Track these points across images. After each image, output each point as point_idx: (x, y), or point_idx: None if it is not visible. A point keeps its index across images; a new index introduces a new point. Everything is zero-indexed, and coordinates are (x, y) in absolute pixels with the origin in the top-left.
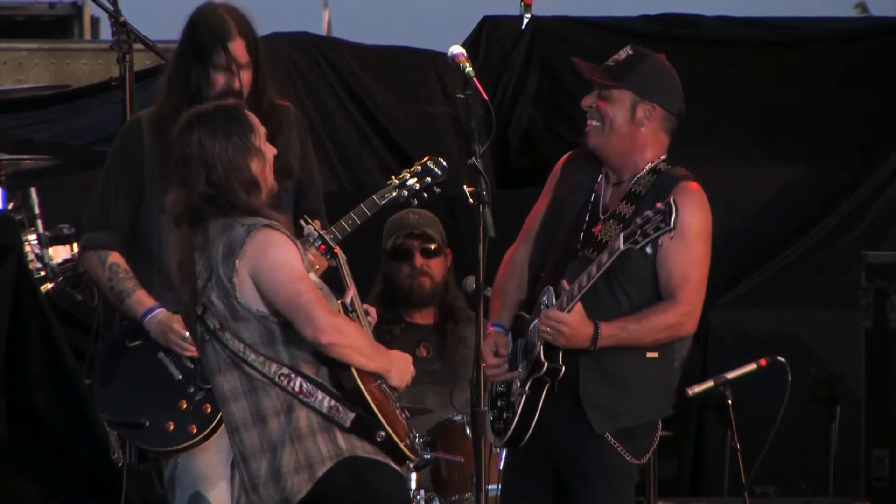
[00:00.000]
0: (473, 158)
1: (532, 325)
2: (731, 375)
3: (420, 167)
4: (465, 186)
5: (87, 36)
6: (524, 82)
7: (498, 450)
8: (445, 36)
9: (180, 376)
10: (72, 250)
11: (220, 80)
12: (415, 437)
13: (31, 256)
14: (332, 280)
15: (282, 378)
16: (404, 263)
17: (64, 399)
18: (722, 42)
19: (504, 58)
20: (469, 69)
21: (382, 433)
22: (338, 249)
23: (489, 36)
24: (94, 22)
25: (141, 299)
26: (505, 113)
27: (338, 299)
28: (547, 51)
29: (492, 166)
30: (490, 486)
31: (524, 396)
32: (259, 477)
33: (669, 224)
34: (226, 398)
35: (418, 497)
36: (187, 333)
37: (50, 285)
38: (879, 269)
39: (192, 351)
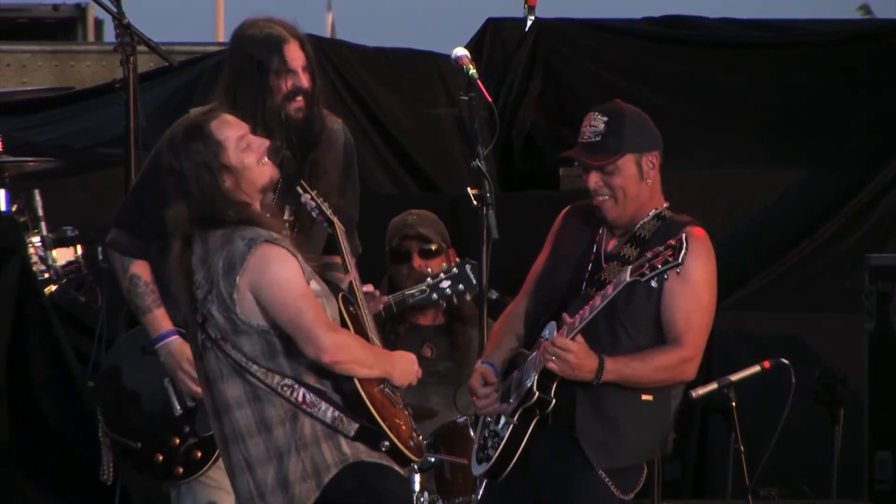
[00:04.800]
0: (477, 160)
1: (529, 358)
2: (734, 377)
3: (456, 270)
4: (468, 189)
5: (91, 38)
6: (527, 84)
7: (478, 481)
8: (449, 38)
9: (180, 410)
10: (75, 252)
11: (285, 84)
12: (419, 436)
13: (34, 258)
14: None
15: (285, 389)
16: (404, 265)
17: (67, 401)
18: (725, 44)
19: (507, 60)
20: (472, 71)
21: (387, 443)
22: (336, 220)
23: (493, 38)
24: (98, 24)
25: (156, 320)
26: (508, 115)
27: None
28: (550, 53)
29: (495, 168)
30: None
31: (511, 427)
32: (266, 485)
33: (678, 259)
34: (230, 406)
35: (422, 499)
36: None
37: (53, 287)
38: (883, 271)
39: (197, 392)
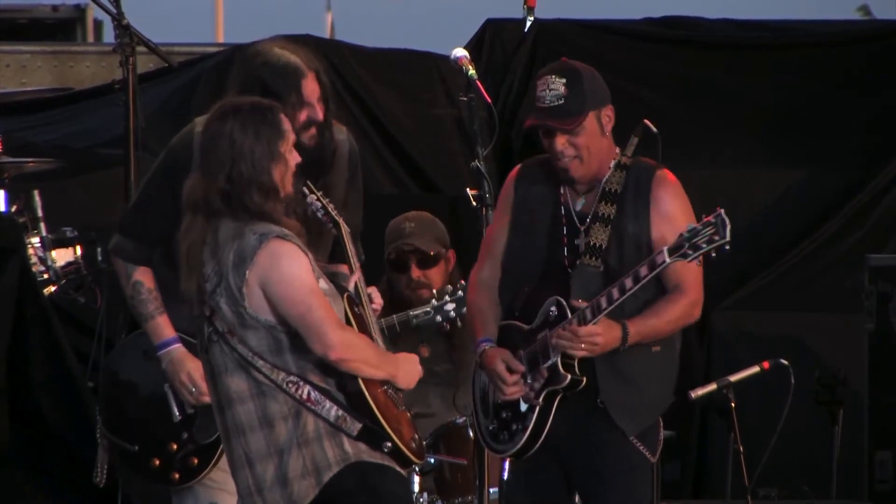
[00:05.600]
0: (476, 161)
1: (540, 336)
2: (734, 378)
3: (461, 293)
4: (468, 189)
5: (90, 38)
6: (527, 85)
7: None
8: (448, 38)
9: (179, 417)
10: (75, 253)
11: (301, 116)
12: (419, 438)
13: (34, 259)
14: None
15: (290, 385)
16: (402, 274)
17: (67, 402)
18: (724, 45)
19: (507, 60)
20: (472, 72)
21: (389, 444)
22: (342, 221)
23: (492, 38)
24: (97, 24)
25: (159, 327)
26: (508, 115)
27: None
28: (550, 53)
29: (494, 169)
30: (493, 489)
31: (537, 409)
32: (265, 481)
33: (725, 236)
34: (232, 400)
35: (421, 500)
36: (193, 388)
37: (53, 288)
38: (882, 271)
39: (197, 400)
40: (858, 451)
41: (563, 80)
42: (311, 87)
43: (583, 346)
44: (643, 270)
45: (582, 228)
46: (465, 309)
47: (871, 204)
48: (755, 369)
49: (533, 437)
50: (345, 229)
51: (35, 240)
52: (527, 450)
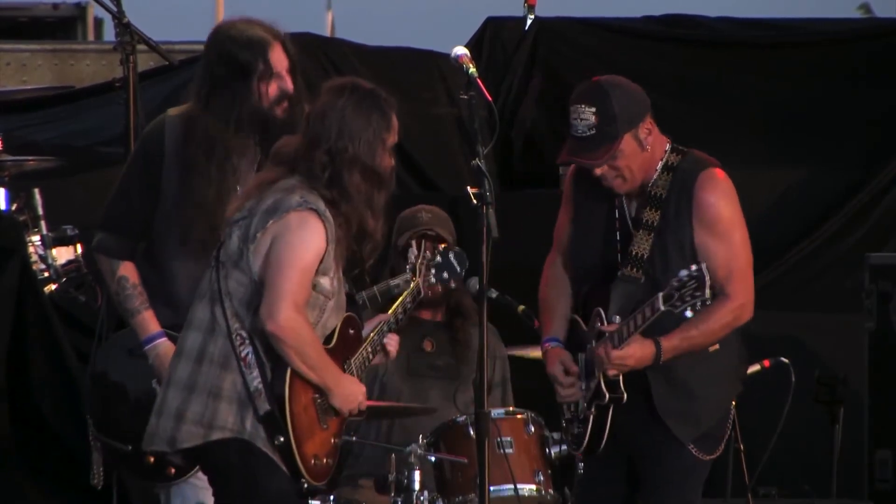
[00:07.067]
0: (476, 159)
1: (590, 346)
2: None
3: (440, 259)
4: (468, 188)
5: (91, 37)
6: (527, 84)
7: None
8: (449, 37)
9: None
10: (75, 251)
11: (272, 88)
12: (329, 466)
13: (34, 258)
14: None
15: (237, 337)
16: None
17: (67, 402)
18: (725, 43)
19: (507, 59)
20: (472, 70)
21: (281, 438)
22: (417, 283)
23: (493, 37)
24: (98, 23)
25: (145, 322)
26: (508, 114)
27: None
28: (550, 52)
29: (495, 167)
30: (492, 487)
31: (591, 416)
32: (167, 407)
33: (704, 294)
34: (190, 324)
35: (422, 498)
36: None
37: (53, 286)
38: (883, 270)
39: None
40: (858, 450)
41: (593, 109)
42: (278, 57)
43: (615, 369)
44: (647, 311)
45: (634, 235)
46: (445, 274)
47: (871, 204)
48: (756, 368)
49: (593, 439)
50: (417, 286)
51: (35, 238)
52: (591, 451)
